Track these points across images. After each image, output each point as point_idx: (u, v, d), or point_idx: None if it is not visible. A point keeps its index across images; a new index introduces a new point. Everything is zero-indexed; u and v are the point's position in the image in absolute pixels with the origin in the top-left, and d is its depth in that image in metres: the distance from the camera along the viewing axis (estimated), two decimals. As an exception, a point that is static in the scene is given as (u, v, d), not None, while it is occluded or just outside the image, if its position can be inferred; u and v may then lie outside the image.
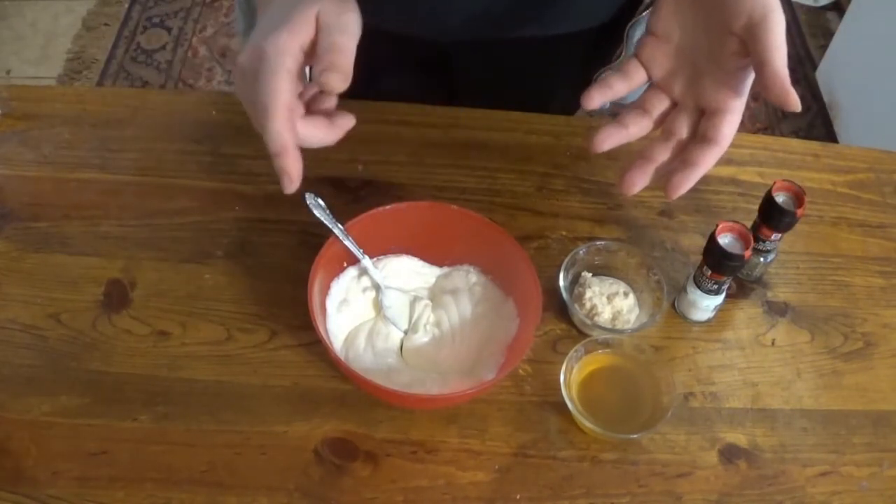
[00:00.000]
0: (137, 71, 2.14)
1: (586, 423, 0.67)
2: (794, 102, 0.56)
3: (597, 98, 0.64)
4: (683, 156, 0.62)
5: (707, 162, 0.60)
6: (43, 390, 0.69)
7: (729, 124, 0.60)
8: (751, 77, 0.60)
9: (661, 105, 0.65)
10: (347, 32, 0.55)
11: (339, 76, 0.54)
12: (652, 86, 0.65)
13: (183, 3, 2.30)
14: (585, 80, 0.93)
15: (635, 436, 0.68)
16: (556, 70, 0.93)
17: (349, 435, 0.68)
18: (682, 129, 0.63)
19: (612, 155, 0.88)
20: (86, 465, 0.65)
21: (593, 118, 0.95)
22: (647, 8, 0.80)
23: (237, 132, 0.86)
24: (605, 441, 0.69)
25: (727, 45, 0.59)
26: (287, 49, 0.54)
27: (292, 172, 0.56)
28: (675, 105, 0.64)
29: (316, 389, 0.70)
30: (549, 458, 0.68)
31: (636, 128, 0.64)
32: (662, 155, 0.64)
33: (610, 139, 0.64)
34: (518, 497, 0.66)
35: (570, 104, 1.03)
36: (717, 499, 0.67)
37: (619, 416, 0.69)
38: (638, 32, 0.83)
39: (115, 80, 2.11)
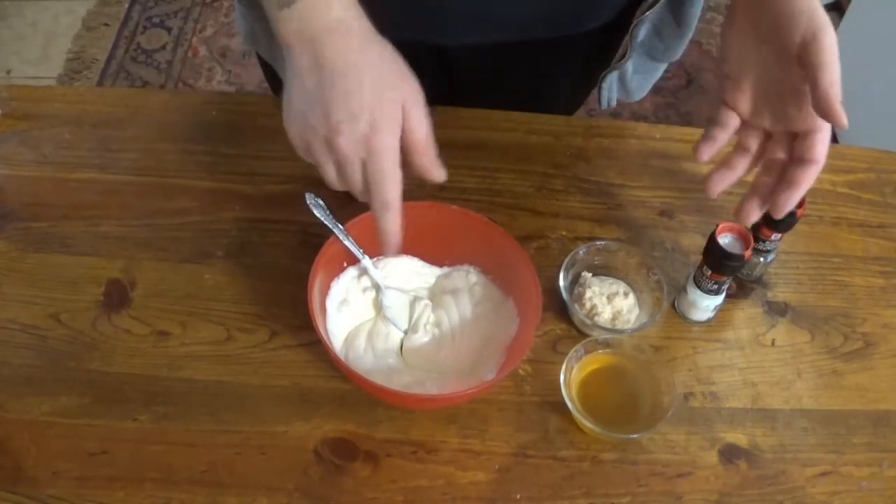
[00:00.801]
0: (137, 71, 2.14)
1: (586, 423, 0.67)
2: (840, 121, 0.58)
3: (707, 152, 0.68)
4: (785, 177, 0.64)
5: (808, 180, 0.64)
6: (43, 390, 0.69)
7: (822, 142, 0.63)
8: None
9: (756, 140, 0.67)
10: (427, 123, 0.61)
11: (440, 168, 0.63)
12: (744, 123, 0.67)
13: (183, 3, 2.30)
14: (587, 79, 0.93)
15: (635, 436, 0.68)
16: (557, 70, 0.93)
17: (349, 435, 0.68)
18: (781, 155, 0.66)
19: (612, 155, 0.89)
20: (86, 465, 0.65)
21: (593, 118, 0.95)
22: (649, 7, 0.80)
23: (237, 132, 0.86)
24: (605, 441, 0.69)
25: (796, 71, 0.61)
26: (393, 143, 0.59)
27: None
28: (769, 135, 0.67)
29: (316, 389, 0.70)
30: (549, 458, 0.68)
31: (741, 166, 0.68)
32: (741, 164, 0.68)
33: (721, 182, 0.68)
34: (518, 497, 0.66)
35: (571, 104, 1.03)
36: (717, 499, 0.67)
37: (619, 416, 0.69)
38: (642, 32, 0.83)
39: (115, 80, 2.11)
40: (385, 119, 0.59)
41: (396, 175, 0.60)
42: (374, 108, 0.58)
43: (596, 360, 0.71)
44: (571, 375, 0.69)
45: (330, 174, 0.62)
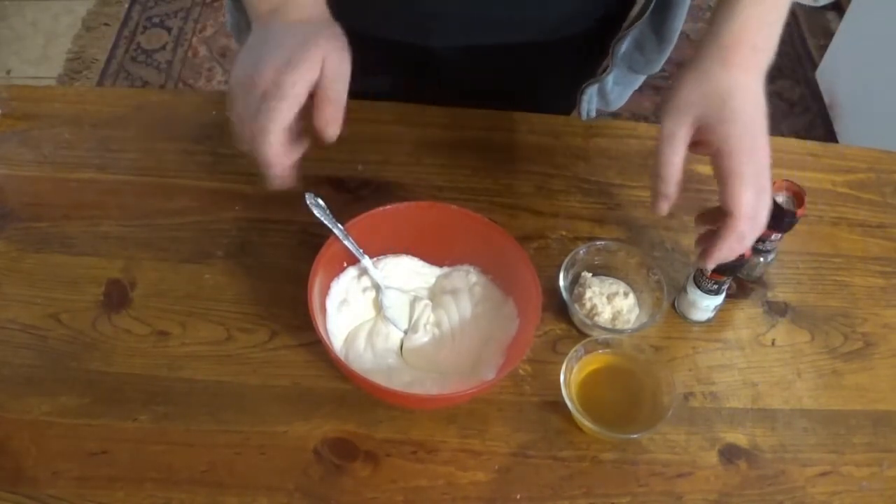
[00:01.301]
0: (137, 71, 2.14)
1: (586, 423, 0.67)
2: (655, 208, 0.66)
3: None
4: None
5: (723, 231, 0.62)
6: (43, 390, 0.69)
7: (733, 191, 0.61)
8: (727, 159, 0.62)
9: None
10: (345, 81, 0.63)
11: (338, 127, 0.62)
12: None
13: (183, 3, 2.30)
14: (574, 83, 0.93)
15: (635, 436, 0.68)
16: (551, 72, 0.93)
17: (349, 435, 0.68)
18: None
19: (612, 155, 0.89)
20: (86, 465, 0.65)
21: (593, 118, 0.95)
22: (631, 24, 0.80)
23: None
24: (605, 441, 0.69)
25: None
26: (302, 82, 0.60)
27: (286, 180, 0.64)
28: None
29: (316, 389, 0.70)
30: (549, 458, 0.68)
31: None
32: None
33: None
34: (518, 497, 0.66)
35: (567, 106, 1.03)
36: (717, 499, 0.67)
37: (619, 416, 0.69)
38: (624, 45, 0.83)
39: (115, 80, 2.10)
40: (299, 61, 0.60)
41: (286, 105, 0.60)
42: (293, 52, 0.61)
43: (596, 360, 0.71)
44: (571, 375, 0.69)
45: (238, 107, 0.62)
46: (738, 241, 0.62)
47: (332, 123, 0.62)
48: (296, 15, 0.64)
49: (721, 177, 0.62)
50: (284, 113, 0.60)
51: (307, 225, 0.77)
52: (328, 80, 0.62)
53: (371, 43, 0.86)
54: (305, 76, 0.60)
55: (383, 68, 0.91)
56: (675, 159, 0.63)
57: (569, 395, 0.67)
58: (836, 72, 2.10)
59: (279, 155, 0.61)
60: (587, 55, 0.90)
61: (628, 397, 0.71)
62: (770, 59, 0.65)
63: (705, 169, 0.88)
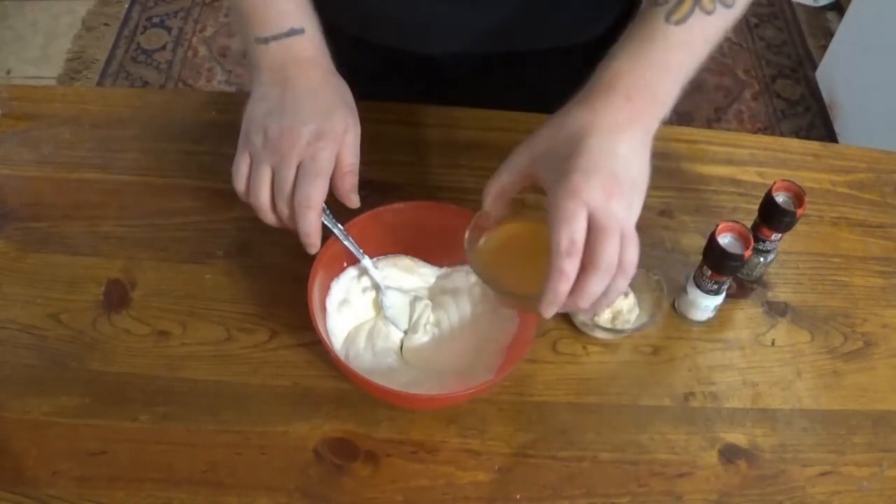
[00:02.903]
0: (137, 71, 2.14)
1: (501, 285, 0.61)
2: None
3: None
4: None
5: (548, 270, 0.55)
6: (43, 390, 0.69)
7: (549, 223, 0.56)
8: (554, 190, 0.57)
9: None
10: (359, 152, 0.69)
11: (357, 195, 0.69)
12: None
13: (183, 3, 2.30)
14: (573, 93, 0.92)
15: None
16: (548, 83, 0.93)
17: (349, 435, 0.68)
18: None
19: (612, 155, 0.88)
20: (86, 465, 0.65)
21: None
22: None
23: (237, 132, 0.86)
24: (605, 441, 0.69)
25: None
26: (333, 156, 0.66)
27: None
28: None
29: (316, 389, 0.70)
30: (549, 458, 0.68)
31: None
32: None
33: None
34: (518, 497, 0.66)
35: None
36: (717, 499, 0.67)
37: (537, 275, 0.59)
38: None
39: (115, 80, 2.11)
40: (328, 133, 0.66)
41: (325, 179, 0.65)
42: (321, 123, 0.66)
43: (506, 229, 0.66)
44: (479, 246, 0.64)
45: (242, 167, 0.67)
46: (564, 280, 0.53)
47: (354, 191, 0.68)
48: (305, 75, 0.68)
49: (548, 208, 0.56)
50: (322, 183, 0.65)
51: (307, 225, 0.77)
52: (350, 151, 0.67)
53: (372, 49, 0.86)
54: (335, 150, 0.66)
55: (385, 74, 0.91)
56: (502, 178, 0.62)
57: (477, 263, 0.62)
58: (836, 72, 2.10)
59: (319, 222, 0.66)
60: (587, 66, 0.90)
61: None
62: (658, 116, 0.60)
63: (705, 168, 0.89)
